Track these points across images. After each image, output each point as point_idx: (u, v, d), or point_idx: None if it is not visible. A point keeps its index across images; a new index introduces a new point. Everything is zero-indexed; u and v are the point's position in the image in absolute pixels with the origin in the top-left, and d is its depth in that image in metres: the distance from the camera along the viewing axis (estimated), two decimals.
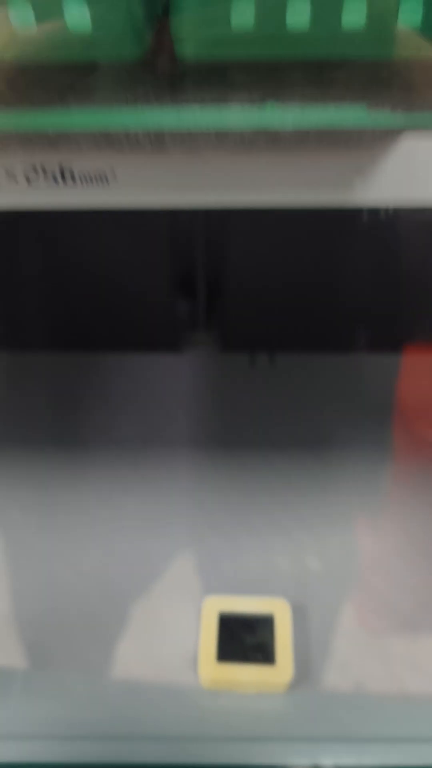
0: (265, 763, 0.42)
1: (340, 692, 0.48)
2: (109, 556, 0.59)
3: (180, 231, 0.67)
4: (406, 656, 0.51)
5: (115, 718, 0.47)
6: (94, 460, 0.68)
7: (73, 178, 0.22)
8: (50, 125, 0.22)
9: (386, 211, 0.58)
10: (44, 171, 0.22)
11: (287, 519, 0.61)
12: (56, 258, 0.68)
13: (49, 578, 0.58)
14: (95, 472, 0.66)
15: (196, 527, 0.61)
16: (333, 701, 0.47)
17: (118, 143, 0.21)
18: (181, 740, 0.43)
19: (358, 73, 0.27)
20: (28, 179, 0.23)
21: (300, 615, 0.52)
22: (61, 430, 0.71)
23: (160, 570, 0.57)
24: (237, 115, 0.22)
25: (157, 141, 0.21)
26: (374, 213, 0.59)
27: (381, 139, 0.21)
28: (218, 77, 0.28)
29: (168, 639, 0.52)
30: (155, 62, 0.29)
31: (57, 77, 0.28)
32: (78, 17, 0.27)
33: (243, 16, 0.27)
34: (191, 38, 0.28)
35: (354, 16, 0.27)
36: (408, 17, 0.27)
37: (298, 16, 0.27)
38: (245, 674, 0.45)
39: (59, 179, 0.22)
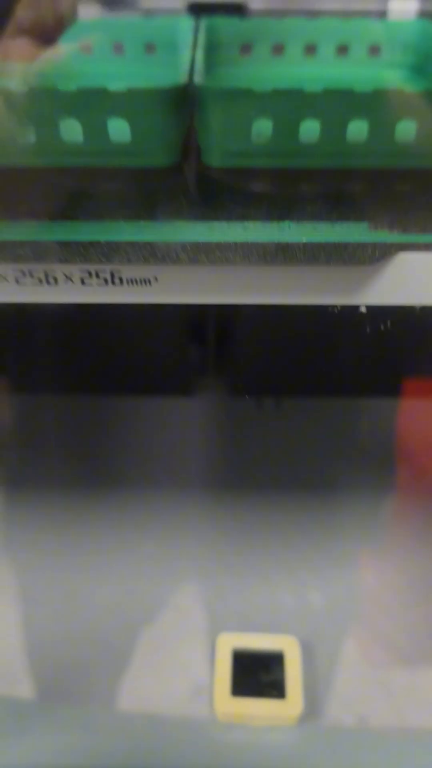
0: None
1: (346, 725, 0.51)
2: (122, 593, 0.62)
3: None
4: (407, 689, 0.54)
5: (132, 749, 0.50)
6: (107, 500, 0.71)
7: (121, 281, 0.27)
8: (104, 237, 0.26)
9: None
10: (97, 275, 0.27)
11: (294, 558, 0.64)
12: (70, 303, 0.72)
13: (64, 614, 0.61)
14: (107, 512, 0.70)
15: (206, 566, 0.64)
16: (339, 734, 0.50)
17: (160, 254, 0.25)
18: None
19: (365, 183, 0.31)
20: (83, 281, 0.27)
21: (307, 650, 0.56)
22: (75, 471, 0.74)
23: (172, 607, 0.61)
24: (258, 231, 0.27)
25: (193, 252, 0.25)
26: None
27: (381, 251, 0.25)
28: (241, 182, 0.33)
29: (181, 673, 0.55)
30: (184, 167, 0.34)
31: (97, 182, 0.32)
32: (119, 131, 0.32)
33: (261, 132, 0.32)
34: (216, 150, 0.33)
35: (357, 132, 0.32)
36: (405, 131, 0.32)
37: (310, 132, 0.32)
38: (258, 708, 0.49)
39: (109, 282, 0.27)
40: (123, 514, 0.69)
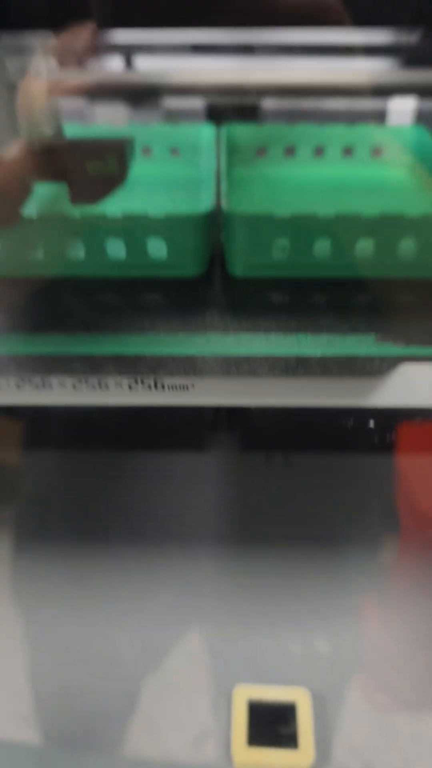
0: None
1: None
2: (138, 643, 0.65)
3: None
4: (411, 736, 0.58)
5: None
6: (118, 552, 0.74)
7: (163, 387, 0.31)
8: (148, 351, 0.31)
9: None
10: (143, 382, 0.31)
11: (302, 609, 0.68)
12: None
13: (73, 662, 0.63)
14: (119, 563, 0.73)
15: (218, 617, 0.68)
16: None
17: (198, 369, 0.30)
18: None
19: (372, 293, 0.36)
20: (130, 387, 0.31)
21: (317, 699, 0.59)
22: (91, 525, 0.78)
23: (184, 656, 0.64)
24: (279, 343, 0.31)
25: (226, 365, 0.30)
26: None
27: (387, 365, 0.30)
28: (261, 291, 0.37)
29: (191, 721, 0.58)
30: (212, 276, 0.39)
31: (136, 292, 0.37)
32: (157, 248, 0.37)
33: (280, 249, 0.37)
34: (239, 262, 0.37)
35: (364, 249, 0.37)
36: (406, 248, 0.37)
37: (322, 249, 0.37)
38: (273, 758, 0.52)
39: (153, 388, 0.31)
40: (134, 566, 0.72)
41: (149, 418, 0.81)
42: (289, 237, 0.36)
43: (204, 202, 0.38)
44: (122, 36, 0.40)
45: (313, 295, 0.36)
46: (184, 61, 0.41)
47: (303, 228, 0.36)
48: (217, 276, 0.39)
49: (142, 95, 0.36)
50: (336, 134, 0.52)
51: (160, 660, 0.64)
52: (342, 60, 0.40)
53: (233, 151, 0.50)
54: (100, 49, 0.32)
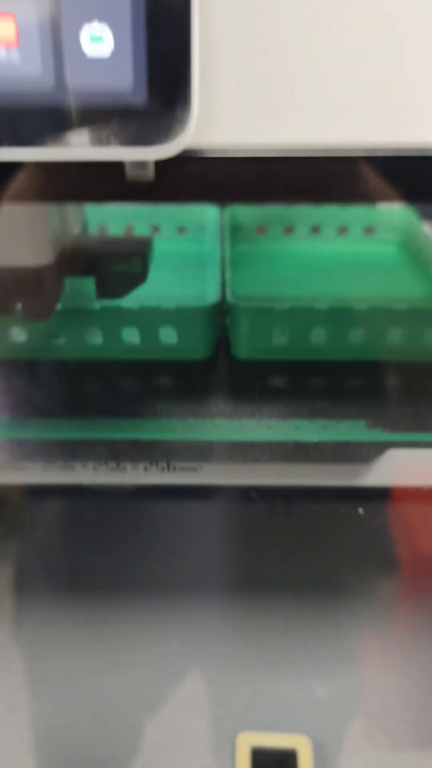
0: None
1: None
2: (141, 689, 0.67)
3: None
4: None
5: None
6: (119, 600, 0.76)
7: (174, 468, 0.35)
8: (162, 436, 0.34)
9: None
10: (157, 464, 0.35)
11: (303, 658, 0.70)
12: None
13: (82, 708, 0.65)
14: (120, 610, 0.75)
15: (220, 663, 0.70)
16: None
17: (207, 455, 0.34)
18: None
19: (363, 376, 0.40)
20: (145, 469, 0.35)
21: (317, 744, 0.61)
22: (95, 572, 0.80)
23: (188, 703, 0.66)
24: (279, 428, 0.35)
25: (231, 451, 0.34)
26: None
27: (375, 451, 0.33)
28: (262, 371, 0.41)
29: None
30: (218, 358, 0.42)
31: (147, 374, 0.41)
32: (168, 335, 0.41)
33: (280, 337, 0.40)
34: (243, 346, 0.41)
35: (355, 336, 0.40)
36: (394, 336, 0.40)
37: (318, 336, 0.40)
38: None
39: (165, 470, 0.35)
40: (137, 613, 0.74)
41: None
42: (288, 326, 0.40)
43: (209, 292, 0.42)
44: None
45: (310, 378, 0.40)
46: None
47: (300, 318, 0.40)
48: (223, 358, 0.42)
49: None
50: (331, 215, 0.56)
51: (162, 706, 0.66)
52: None
53: (236, 230, 0.55)
54: None
